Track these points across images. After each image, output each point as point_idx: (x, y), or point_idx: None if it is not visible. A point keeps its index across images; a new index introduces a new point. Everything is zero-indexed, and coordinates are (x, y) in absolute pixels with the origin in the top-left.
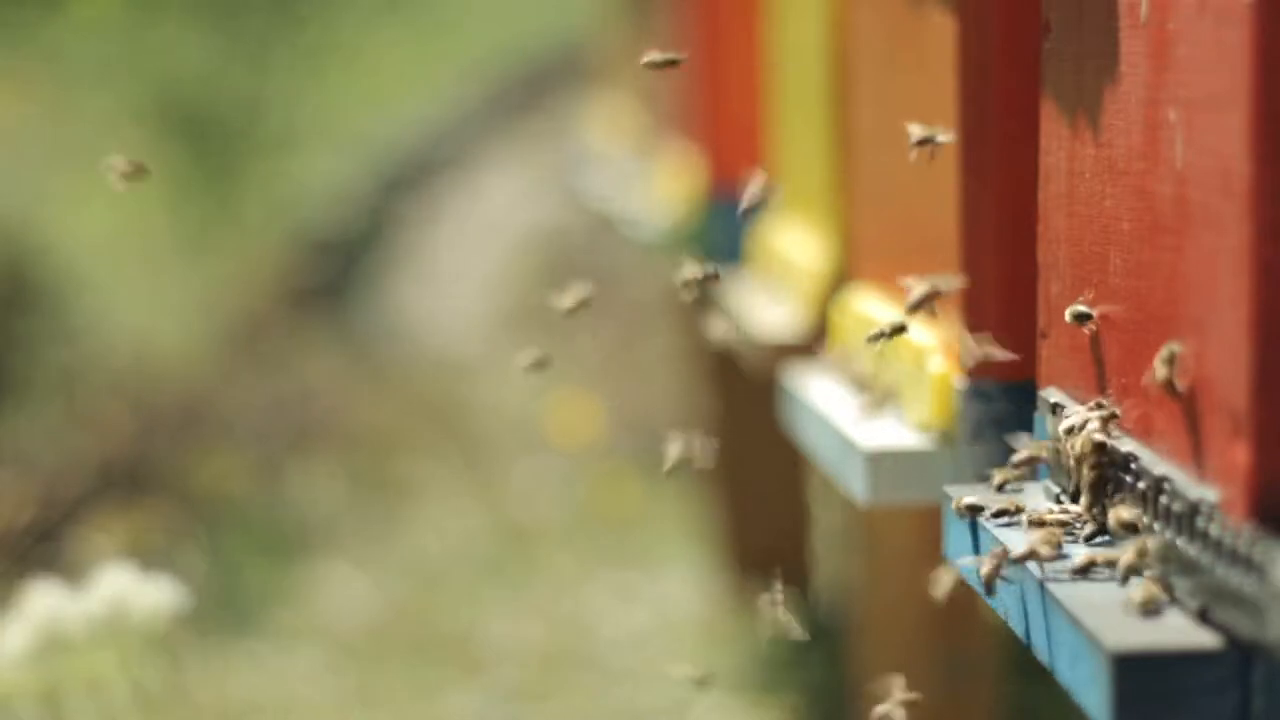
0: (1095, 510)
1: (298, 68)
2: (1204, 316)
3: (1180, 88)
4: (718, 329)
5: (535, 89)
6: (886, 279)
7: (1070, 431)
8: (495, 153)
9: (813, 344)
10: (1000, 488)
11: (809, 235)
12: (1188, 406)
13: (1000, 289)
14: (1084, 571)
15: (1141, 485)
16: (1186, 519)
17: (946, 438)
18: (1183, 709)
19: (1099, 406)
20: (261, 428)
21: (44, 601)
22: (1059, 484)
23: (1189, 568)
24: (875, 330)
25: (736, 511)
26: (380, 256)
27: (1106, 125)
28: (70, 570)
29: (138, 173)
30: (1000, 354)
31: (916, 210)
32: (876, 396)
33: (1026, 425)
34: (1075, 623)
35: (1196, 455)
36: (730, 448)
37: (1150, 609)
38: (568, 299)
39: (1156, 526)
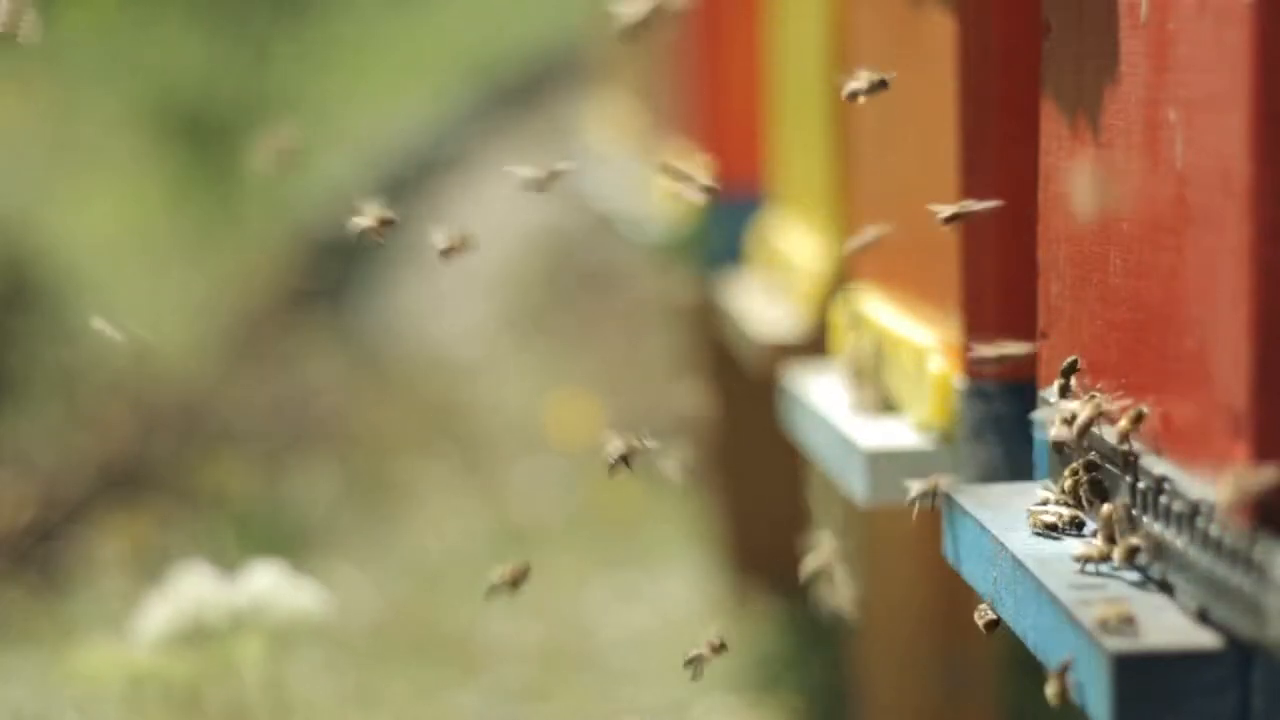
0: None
1: (298, 68)
2: (1204, 316)
3: (1180, 88)
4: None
5: (535, 89)
6: (886, 279)
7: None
8: (495, 153)
9: (813, 344)
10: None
11: (809, 235)
12: (1188, 406)
13: (1000, 289)
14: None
15: (1141, 485)
16: (1186, 519)
17: (946, 438)
18: (1183, 709)
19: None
20: (262, 428)
21: (191, 586)
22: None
23: (1189, 568)
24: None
25: (736, 511)
26: (380, 257)
27: (1106, 125)
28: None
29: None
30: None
31: (916, 210)
32: (868, 391)
33: (1026, 425)
34: (1075, 622)
35: (1196, 455)
36: (730, 448)
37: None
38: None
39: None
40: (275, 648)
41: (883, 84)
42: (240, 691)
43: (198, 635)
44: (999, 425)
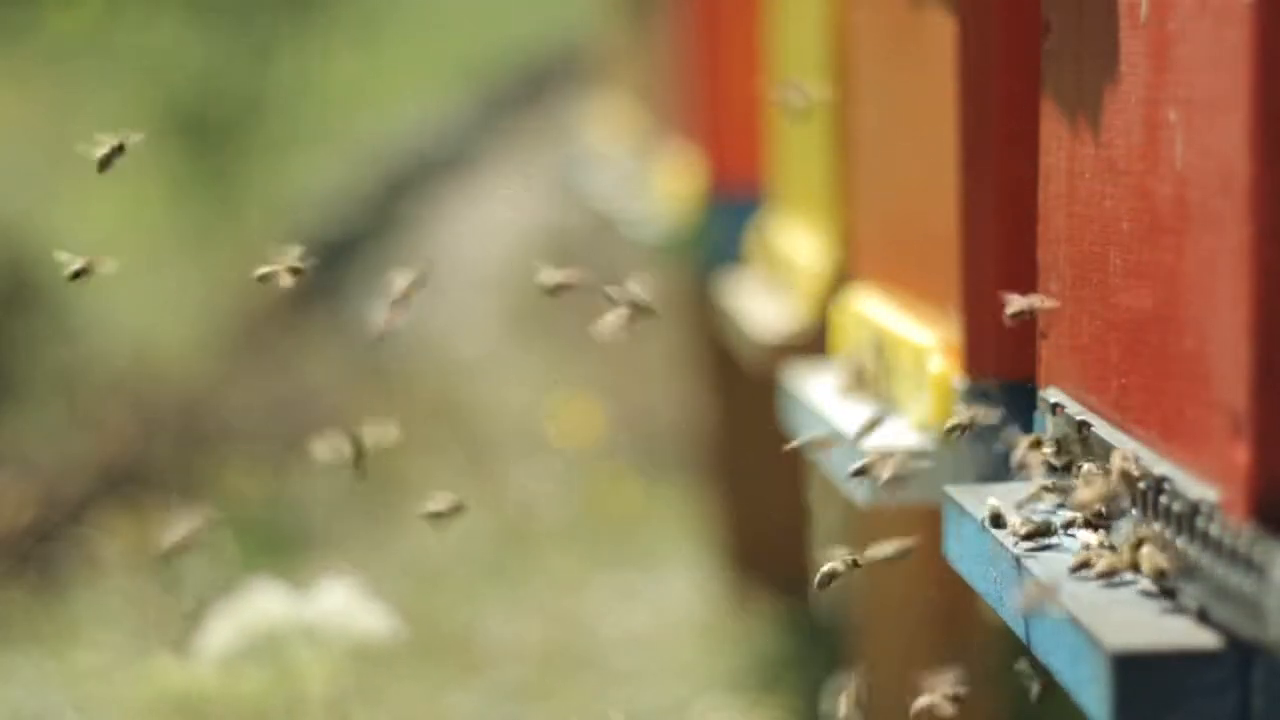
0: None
1: (298, 68)
2: (1204, 316)
3: (1180, 88)
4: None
5: (535, 89)
6: (886, 279)
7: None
8: (495, 153)
9: (813, 344)
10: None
11: (809, 235)
12: (1188, 406)
13: (1000, 289)
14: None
15: (1142, 485)
16: (1186, 519)
17: (947, 438)
18: (1183, 709)
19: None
20: (262, 428)
21: (260, 603)
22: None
23: (1189, 568)
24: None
25: (736, 511)
26: (380, 256)
27: (1106, 125)
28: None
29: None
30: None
31: (916, 210)
32: (855, 380)
33: (1026, 425)
34: (1075, 623)
35: (1196, 455)
36: (730, 448)
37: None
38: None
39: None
40: (340, 668)
41: None
42: (305, 712)
43: (263, 654)
44: (999, 425)
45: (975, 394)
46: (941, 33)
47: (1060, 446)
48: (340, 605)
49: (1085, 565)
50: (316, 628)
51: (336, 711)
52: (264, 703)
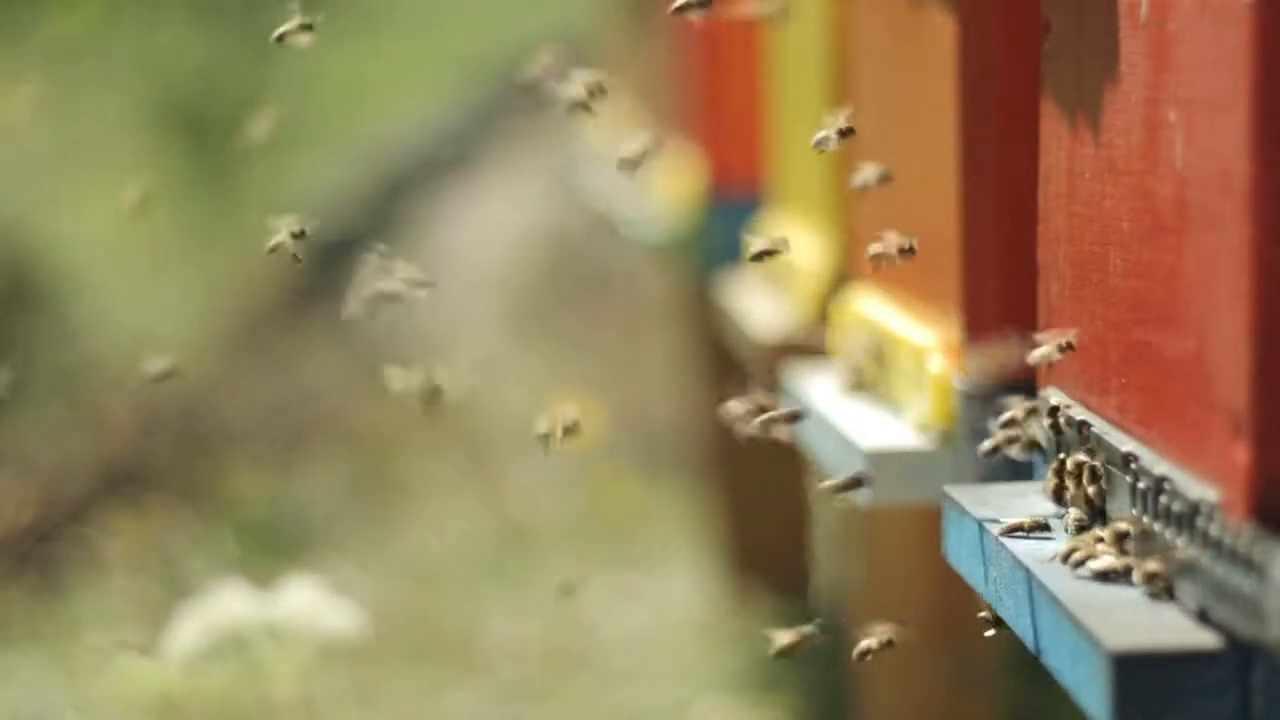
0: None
1: (298, 68)
2: (1204, 316)
3: (1180, 88)
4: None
5: (535, 89)
6: (886, 279)
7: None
8: (495, 153)
9: (814, 343)
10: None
11: (809, 235)
12: (1188, 406)
13: (1000, 289)
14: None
15: (1141, 485)
16: (1186, 519)
17: (946, 438)
18: (1183, 709)
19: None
20: (263, 427)
21: (227, 603)
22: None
23: (1189, 568)
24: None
25: (736, 511)
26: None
27: (1106, 125)
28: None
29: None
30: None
31: (916, 210)
32: (855, 380)
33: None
34: (1075, 623)
35: (1196, 455)
36: (730, 448)
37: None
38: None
39: (1152, 530)
40: (309, 666)
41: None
42: (271, 710)
43: (230, 652)
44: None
45: (974, 394)
46: (941, 33)
47: (1060, 447)
48: (306, 604)
49: (1073, 554)
50: (281, 626)
51: (304, 709)
52: (231, 702)
